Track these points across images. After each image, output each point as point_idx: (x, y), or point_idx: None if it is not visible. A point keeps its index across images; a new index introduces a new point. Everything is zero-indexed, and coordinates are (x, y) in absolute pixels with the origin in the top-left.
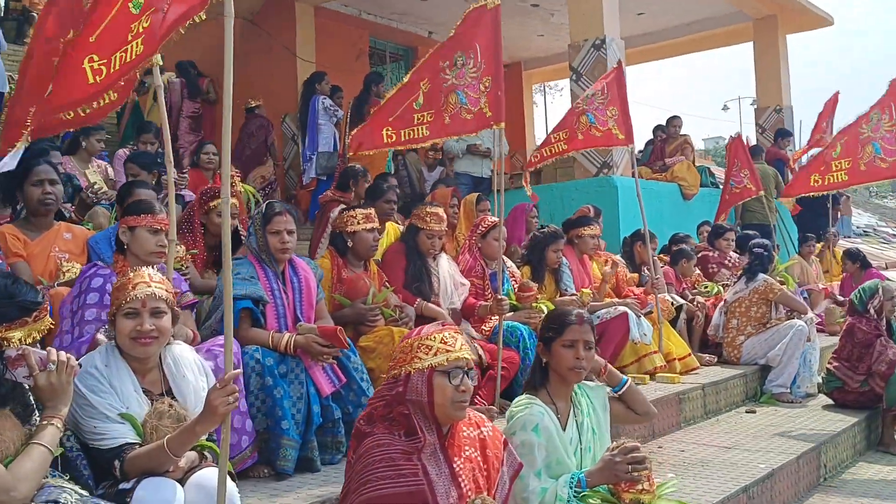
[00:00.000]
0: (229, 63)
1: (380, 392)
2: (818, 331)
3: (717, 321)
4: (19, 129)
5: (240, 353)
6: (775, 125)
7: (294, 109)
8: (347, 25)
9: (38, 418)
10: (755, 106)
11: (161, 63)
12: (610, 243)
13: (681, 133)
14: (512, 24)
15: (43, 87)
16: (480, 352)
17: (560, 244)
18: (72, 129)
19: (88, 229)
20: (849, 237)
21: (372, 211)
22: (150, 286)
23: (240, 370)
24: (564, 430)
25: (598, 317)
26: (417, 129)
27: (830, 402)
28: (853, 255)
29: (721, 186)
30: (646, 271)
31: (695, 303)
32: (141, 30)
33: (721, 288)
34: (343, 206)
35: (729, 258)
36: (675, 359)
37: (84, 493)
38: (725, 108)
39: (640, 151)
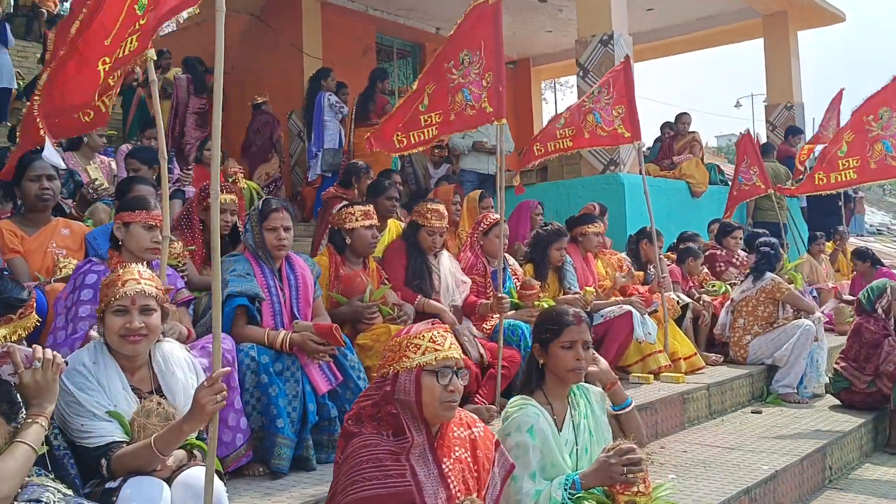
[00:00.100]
0: (220, 58)
1: (368, 391)
2: (828, 330)
3: (724, 320)
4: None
5: (234, 351)
6: (786, 122)
7: (300, 106)
8: (354, 21)
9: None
10: (766, 103)
11: (155, 58)
12: (616, 241)
13: (689, 130)
14: (520, 20)
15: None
16: (481, 350)
17: (563, 242)
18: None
19: (88, 225)
20: (862, 235)
21: (370, 208)
22: (139, 283)
23: (228, 368)
24: (560, 431)
25: (602, 315)
26: (427, 131)
27: (837, 402)
28: (862, 255)
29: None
30: (651, 270)
31: (700, 302)
32: (138, 27)
33: (729, 287)
34: (345, 202)
35: (737, 256)
36: (680, 358)
37: (68, 491)
38: (738, 104)
39: (649, 149)
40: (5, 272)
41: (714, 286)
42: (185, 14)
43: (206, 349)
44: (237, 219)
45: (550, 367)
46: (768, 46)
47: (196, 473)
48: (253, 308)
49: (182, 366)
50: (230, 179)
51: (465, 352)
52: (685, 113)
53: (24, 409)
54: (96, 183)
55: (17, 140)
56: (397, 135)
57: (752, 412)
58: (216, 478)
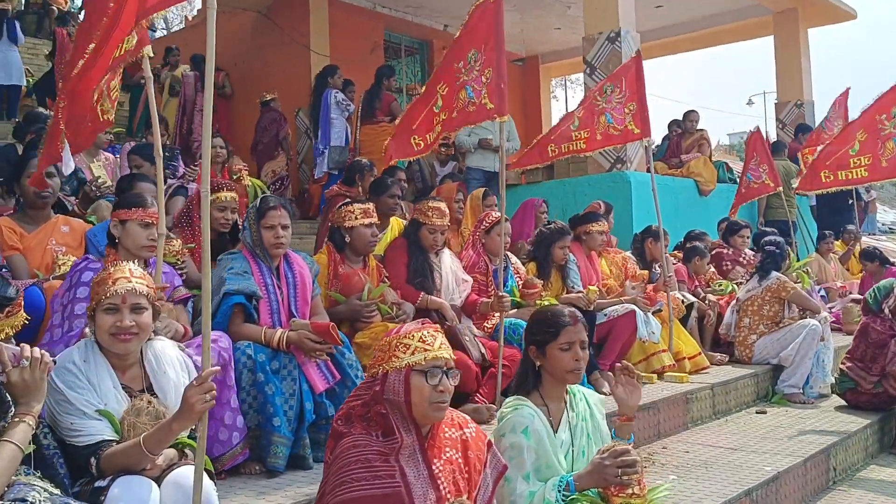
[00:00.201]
0: (211, 54)
1: (358, 391)
2: (836, 330)
3: (729, 320)
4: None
5: (231, 349)
6: (796, 120)
7: (308, 104)
8: (362, 19)
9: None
10: (776, 101)
11: (152, 55)
12: (622, 239)
13: (698, 128)
14: (528, 17)
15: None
16: (482, 349)
17: (566, 241)
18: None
19: (92, 222)
20: (874, 234)
21: (370, 206)
22: (130, 282)
23: (217, 368)
24: (556, 432)
25: (606, 315)
26: (435, 129)
27: (843, 403)
28: (870, 255)
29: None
30: (657, 268)
31: (706, 301)
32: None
33: (735, 286)
34: (348, 200)
35: (744, 255)
36: (684, 358)
37: (55, 491)
38: (750, 102)
39: (657, 146)
40: (4, 269)
41: (721, 285)
42: (194, 11)
43: None
44: (238, 216)
45: (548, 370)
46: (778, 44)
47: (186, 473)
48: (250, 306)
49: (174, 364)
50: (234, 177)
51: (465, 351)
52: (693, 111)
53: (12, 408)
54: (99, 181)
55: (41, 150)
56: (414, 138)
57: (757, 412)
58: (205, 477)
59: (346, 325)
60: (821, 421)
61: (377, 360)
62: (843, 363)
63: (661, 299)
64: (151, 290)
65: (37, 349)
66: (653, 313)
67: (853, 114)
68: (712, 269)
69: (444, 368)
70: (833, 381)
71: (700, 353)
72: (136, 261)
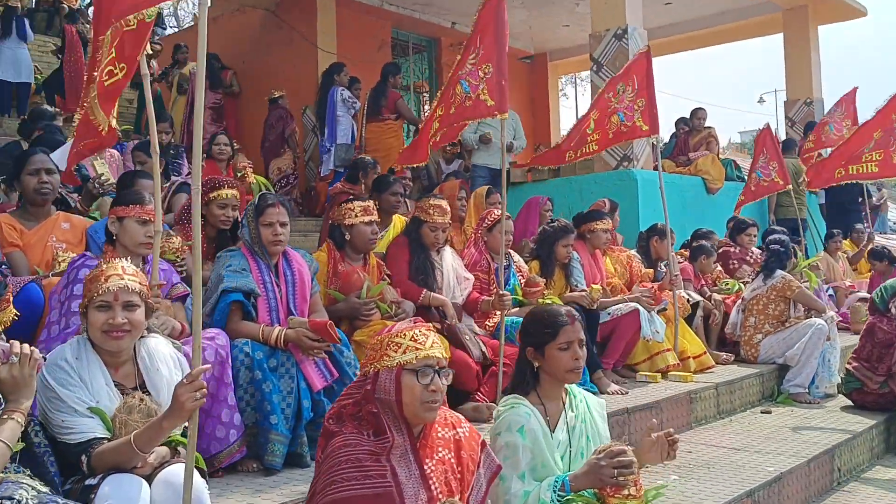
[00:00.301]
0: (202, 48)
1: (349, 390)
2: (843, 329)
3: (735, 319)
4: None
5: (229, 347)
6: (805, 118)
7: (314, 101)
8: (369, 16)
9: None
10: (786, 99)
11: (150, 52)
12: (628, 238)
13: (705, 126)
14: (536, 14)
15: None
16: (483, 348)
17: (570, 239)
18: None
19: (94, 219)
20: (885, 233)
21: (370, 204)
22: (123, 279)
23: (208, 366)
24: (553, 432)
25: (609, 313)
26: (433, 126)
27: (849, 403)
28: (879, 254)
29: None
30: (662, 267)
31: (711, 300)
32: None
33: (742, 285)
34: (352, 197)
35: (751, 254)
36: (689, 357)
37: (44, 489)
38: (761, 100)
39: (665, 144)
40: (4, 266)
41: (727, 284)
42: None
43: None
44: (239, 213)
45: (547, 370)
46: (788, 41)
47: (177, 471)
48: (248, 304)
49: (167, 362)
50: (239, 174)
51: (466, 350)
52: (701, 108)
53: (1, 405)
54: (102, 178)
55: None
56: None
57: (762, 412)
58: (196, 475)
59: (345, 323)
60: (826, 421)
61: (369, 359)
62: (849, 363)
63: (666, 298)
64: (144, 288)
65: (26, 345)
66: (658, 312)
67: (864, 113)
68: (719, 267)
69: (436, 368)
70: (839, 380)
71: (705, 353)
72: (133, 258)
